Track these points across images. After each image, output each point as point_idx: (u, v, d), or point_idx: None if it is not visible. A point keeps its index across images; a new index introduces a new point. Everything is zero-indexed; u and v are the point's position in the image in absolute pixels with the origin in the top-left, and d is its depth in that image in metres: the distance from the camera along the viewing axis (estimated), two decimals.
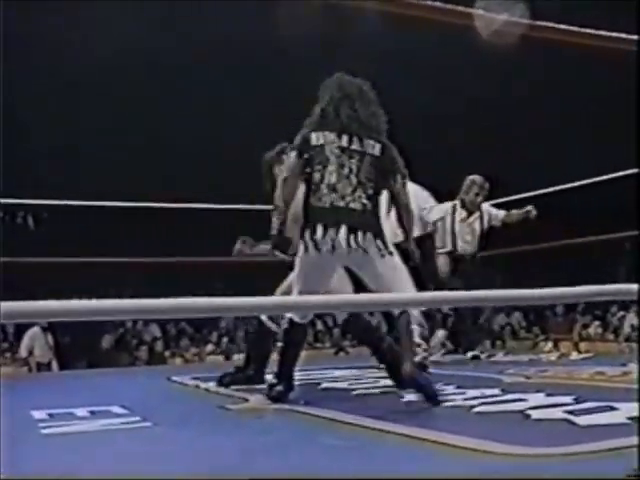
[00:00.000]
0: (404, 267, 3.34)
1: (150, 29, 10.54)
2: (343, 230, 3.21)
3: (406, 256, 3.46)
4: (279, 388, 3.39)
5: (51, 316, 1.69)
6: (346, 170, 3.26)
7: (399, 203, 3.43)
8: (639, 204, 7.43)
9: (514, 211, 5.91)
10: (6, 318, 1.46)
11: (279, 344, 3.48)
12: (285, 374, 3.42)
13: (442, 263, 5.71)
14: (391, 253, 3.28)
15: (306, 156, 3.31)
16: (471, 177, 5.95)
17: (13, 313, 1.48)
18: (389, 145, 3.38)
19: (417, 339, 3.15)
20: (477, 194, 5.87)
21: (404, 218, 3.47)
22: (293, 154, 3.37)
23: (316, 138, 3.32)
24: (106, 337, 12.10)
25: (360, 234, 3.22)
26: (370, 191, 3.27)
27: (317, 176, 3.28)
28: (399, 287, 3.20)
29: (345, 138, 3.30)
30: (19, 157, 9.68)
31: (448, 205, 5.86)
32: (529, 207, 5.81)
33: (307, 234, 3.25)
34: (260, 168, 4.11)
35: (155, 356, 11.46)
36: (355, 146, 3.30)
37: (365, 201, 3.25)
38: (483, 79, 11.55)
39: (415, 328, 3.18)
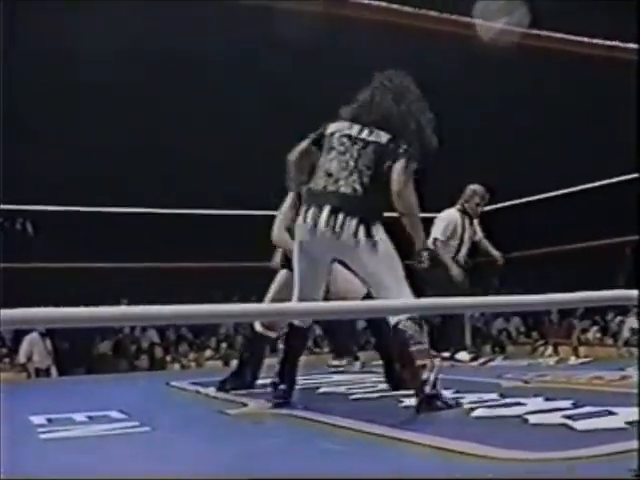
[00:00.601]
0: (396, 256, 3.21)
1: (150, 30, 10.55)
2: (326, 210, 3.15)
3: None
4: (283, 386, 3.38)
5: (49, 323, 1.70)
6: (347, 156, 3.23)
7: (391, 189, 3.19)
8: None
9: (488, 246, 6.12)
10: (5, 324, 1.47)
11: (281, 347, 3.48)
12: (287, 376, 3.41)
13: (458, 271, 5.78)
14: (377, 240, 3.15)
15: (314, 148, 3.36)
16: (472, 187, 6.00)
17: (12, 320, 1.48)
18: (403, 135, 3.21)
19: (419, 361, 3.08)
20: (478, 204, 5.95)
21: (400, 209, 3.24)
22: (305, 143, 3.42)
23: (331, 127, 3.33)
24: (104, 343, 12.10)
25: (341, 215, 3.13)
26: (366, 178, 3.19)
27: (320, 161, 3.29)
28: (387, 277, 3.13)
29: (356, 127, 3.27)
30: (18, 163, 9.68)
31: (455, 214, 5.91)
32: (500, 259, 6.05)
33: (309, 214, 3.21)
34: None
35: (154, 362, 11.46)
36: (363, 135, 3.25)
37: (357, 186, 3.17)
38: (483, 85, 11.58)
39: (414, 349, 3.10)
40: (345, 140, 3.26)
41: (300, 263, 3.30)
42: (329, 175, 3.22)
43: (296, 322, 3.39)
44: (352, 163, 3.21)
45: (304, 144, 3.43)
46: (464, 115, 12.18)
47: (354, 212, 3.15)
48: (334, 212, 3.15)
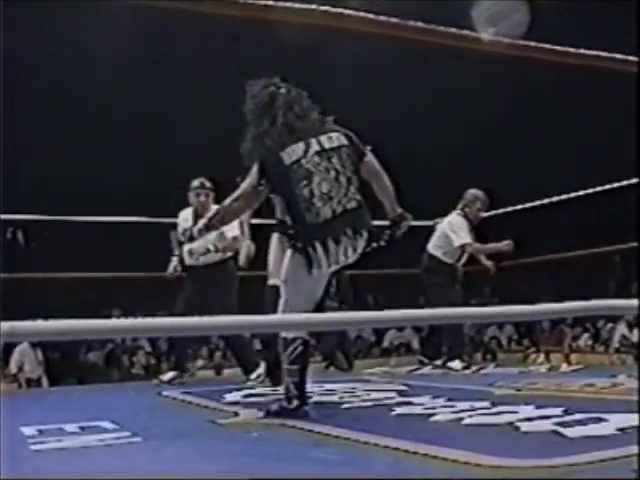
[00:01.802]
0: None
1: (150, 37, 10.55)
2: (349, 235, 3.16)
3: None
4: (307, 407, 3.37)
5: (40, 336, 1.69)
6: (333, 173, 3.16)
7: (374, 174, 3.34)
8: (639, 216, 7.45)
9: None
10: (5, 337, 1.46)
11: (295, 367, 3.43)
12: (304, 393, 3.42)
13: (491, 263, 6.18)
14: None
15: (275, 180, 3.22)
16: (473, 191, 5.89)
17: (8, 333, 1.47)
18: (346, 131, 3.31)
19: None
20: (479, 209, 5.88)
21: (382, 187, 3.37)
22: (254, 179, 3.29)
23: (288, 156, 3.18)
24: (96, 353, 12.05)
25: (364, 232, 3.20)
26: (358, 183, 3.23)
27: (305, 192, 3.13)
28: None
29: (314, 141, 3.20)
30: (9, 172, 9.66)
31: (463, 219, 5.84)
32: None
33: (318, 251, 3.13)
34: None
35: (146, 371, 11.42)
36: (328, 145, 3.21)
37: (358, 196, 3.21)
38: (484, 93, 11.62)
39: None
40: (317, 159, 3.17)
41: (304, 282, 3.22)
42: (329, 199, 3.13)
43: (306, 336, 3.33)
44: (342, 177, 3.18)
45: (252, 181, 3.29)
46: (464, 126, 12.25)
47: (365, 225, 3.22)
48: (355, 234, 3.18)
